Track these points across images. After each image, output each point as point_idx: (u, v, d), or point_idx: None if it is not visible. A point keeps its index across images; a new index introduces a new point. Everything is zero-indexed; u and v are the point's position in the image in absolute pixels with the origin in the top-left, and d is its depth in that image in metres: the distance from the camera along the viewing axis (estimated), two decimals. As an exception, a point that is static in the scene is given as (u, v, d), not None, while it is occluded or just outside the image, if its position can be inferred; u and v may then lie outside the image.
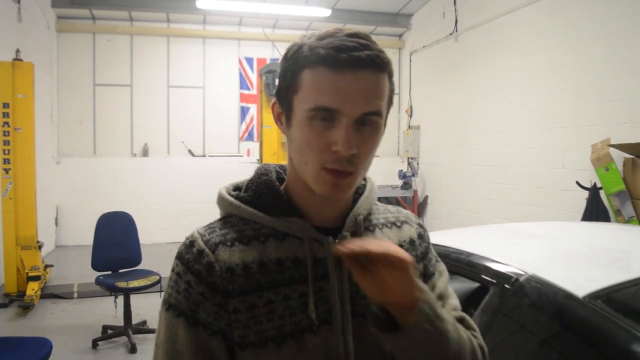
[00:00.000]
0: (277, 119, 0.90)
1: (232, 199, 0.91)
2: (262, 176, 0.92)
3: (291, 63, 0.83)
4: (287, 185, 0.92)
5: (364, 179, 1.00)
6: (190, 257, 0.85)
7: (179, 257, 0.87)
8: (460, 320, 0.96)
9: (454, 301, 1.01)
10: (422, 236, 1.03)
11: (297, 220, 0.88)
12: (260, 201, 0.90)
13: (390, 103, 0.87)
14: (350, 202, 0.94)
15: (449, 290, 1.03)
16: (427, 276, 1.01)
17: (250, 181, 0.94)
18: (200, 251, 0.85)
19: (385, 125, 0.88)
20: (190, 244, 0.87)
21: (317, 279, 0.86)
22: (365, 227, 0.94)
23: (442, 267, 1.06)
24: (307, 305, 0.85)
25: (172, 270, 0.88)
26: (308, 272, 0.86)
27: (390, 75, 0.85)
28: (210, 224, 0.91)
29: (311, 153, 0.82)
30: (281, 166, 0.99)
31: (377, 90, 0.81)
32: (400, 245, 0.97)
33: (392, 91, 0.87)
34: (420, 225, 1.06)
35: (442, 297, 1.00)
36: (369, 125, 0.82)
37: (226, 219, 0.91)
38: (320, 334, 0.85)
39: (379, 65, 0.80)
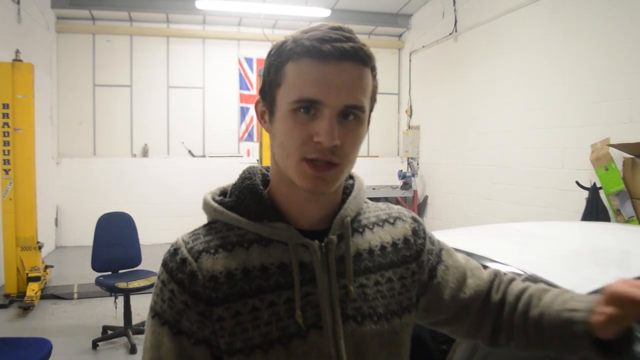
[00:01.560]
0: (261, 117, 0.89)
1: (215, 205, 0.89)
2: (246, 180, 0.90)
3: (275, 57, 0.83)
4: (271, 188, 0.91)
5: (352, 178, 0.99)
6: (174, 265, 0.84)
7: (164, 264, 0.86)
8: (496, 275, 1.04)
9: (477, 269, 1.05)
10: (417, 232, 1.00)
11: (280, 225, 0.86)
12: (243, 206, 0.88)
13: (373, 99, 0.87)
14: (338, 202, 0.92)
15: (465, 263, 1.04)
16: (431, 270, 0.99)
17: (234, 185, 0.92)
18: (183, 259, 0.84)
19: (369, 123, 0.88)
20: (174, 251, 0.86)
21: (305, 283, 0.85)
22: (354, 228, 0.93)
23: (446, 246, 1.05)
24: (294, 310, 0.83)
25: (158, 277, 0.87)
26: (294, 277, 0.84)
27: (373, 71, 0.85)
28: (195, 230, 0.90)
29: (293, 145, 0.80)
30: (267, 168, 0.96)
31: (360, 83, 0.81)
32: (394, 244, 0.96)
33: (375, 87, 0.86)
34: (415, 219, 1.03)
35: (465, 276, 1.01)
36: (352, 119, 0.82)
37: (211, 225, 0.89)
38: (310, 338, 0.84)
39: (362, 57, 0.80)
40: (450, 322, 1.02)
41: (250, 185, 0.89)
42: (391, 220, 0.99)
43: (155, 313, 0.85)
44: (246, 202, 0.88)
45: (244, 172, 0.93)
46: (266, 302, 0.83)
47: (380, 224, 0.97)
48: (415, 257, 0.98)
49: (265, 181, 0.93)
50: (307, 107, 0.79)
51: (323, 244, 0.87)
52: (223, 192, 0.95)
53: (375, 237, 0.95)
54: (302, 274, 0.85)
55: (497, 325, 0.99)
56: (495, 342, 1.01)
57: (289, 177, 0.84)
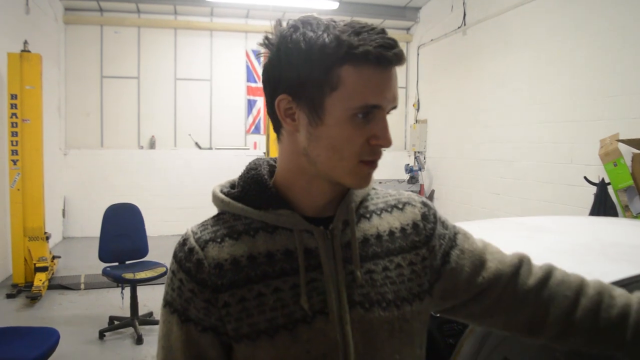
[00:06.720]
0: (285, 115, 0.84)
1: (222, 196, 0.91)
2: (251, 171, 0.91)
3: (320, 57, 0.79)
4: (278, 179, 0.91)
5: None
6: (182, 255, 0.86)
7: (174, 255, 0.89)
8: (522, 260, 1.00)
9: (498, 253, 1.01)
10: (427, 216, 0.98)
11: (285, 212, 0.87)
12: (248, 196, 0.89)
13: None
14: (345, 190, 0.92)
15: (482, 246, 1.01)
16: (444, 255, 0.96)
17: (240, 177, 0.93)
18: (190, 249, 0.86)
19: None
20: (183, 242, 0.88)
21: (310, 269, 0.85)
22: (360, 214, 0.93)
23: (462, 230, 1.02)
24: (300, 296, 0.83)
25: (169, 268, 0.90)
26: (299, 263, 0.85)
27: None
28: (204, 221, 0.91)
29: (351, 149, 0.82)
30: (275, 159, 0.96)
31: (397, 83, 0.84)
32: (403, 229, 0.94)
33: None
34: (425, 204, 1.00)
35: (483, 259, 0.98)
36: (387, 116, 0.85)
37: (219, 216, 0.91)
38: (316, 324, 0.84)
39: (404, 60, 0.82)
40: (466, 305, 0.99)
41: (255, 175, 0.90)
42: (400, 206, 0.98)
43: (166, 302, 0.88)
44: (251, 191, 0.89)
45: (250, 163, 0.94)
46: (271, 287, 0.84)
47: (389, 209, 0.96)
48: (425, 242, 0.96)
49: (272, 172, 0.93)
50: (366, 112, 0.80)
51: (328, 230, 0.87)
52: (232, 185, 0.96)
53: (383, 223, 0.94)
54: (307, 260, 0.85)
55: (539, 316, 0.96)
56: (535, 333, 0.98)
57: (331, 177, 0.85)
